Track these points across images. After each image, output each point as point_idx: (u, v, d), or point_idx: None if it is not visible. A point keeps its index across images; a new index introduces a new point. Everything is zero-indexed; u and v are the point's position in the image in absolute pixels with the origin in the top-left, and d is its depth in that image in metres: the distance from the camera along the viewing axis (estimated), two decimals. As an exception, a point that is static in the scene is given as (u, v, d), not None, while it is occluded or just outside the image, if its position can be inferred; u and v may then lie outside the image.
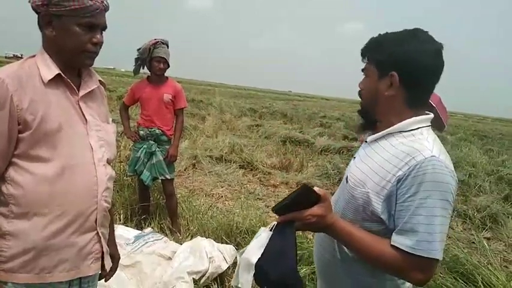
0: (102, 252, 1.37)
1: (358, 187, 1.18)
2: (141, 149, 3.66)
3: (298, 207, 1.10)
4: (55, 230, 1.22)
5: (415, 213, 1.04)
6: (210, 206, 4.43)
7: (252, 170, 6.85)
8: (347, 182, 1.26)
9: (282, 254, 1.10)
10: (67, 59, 1.26)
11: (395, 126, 1.17)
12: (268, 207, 5.09)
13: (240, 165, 6.91)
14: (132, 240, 2.99)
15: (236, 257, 3.01)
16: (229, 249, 2.96)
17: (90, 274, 1.34)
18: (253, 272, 1.10)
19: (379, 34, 1.22)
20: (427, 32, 1.16)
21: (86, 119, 1.31)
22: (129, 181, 4.38)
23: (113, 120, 1.51)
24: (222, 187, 5.69)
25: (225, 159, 7.04)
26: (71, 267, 1.28)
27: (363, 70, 1.26)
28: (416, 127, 1.16)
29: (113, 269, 1.56)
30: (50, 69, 1.23)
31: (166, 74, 3.69)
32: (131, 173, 3.86)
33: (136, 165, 3.70)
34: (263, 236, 1.15)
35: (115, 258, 1.57)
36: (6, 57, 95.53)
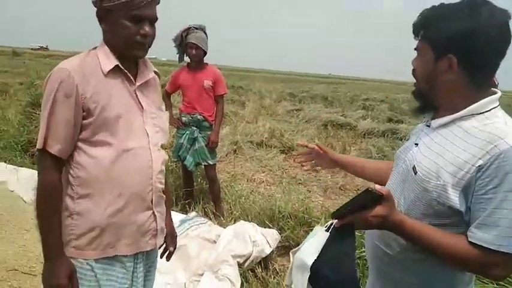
0: (157, 230, 1.45)
1: (432, 180, 1.06)
2: (184, 135, 3.73)
3: (359, 210, 1.05)
4: (115, 209, 1.31)
5: (499, 206, 0.96)
6: (252, 190, 4.46)
7: (293, 154, 6.81)
8: (415, 173, 1.12)
9: (341, 258, 1.05)
10: (121, 51, 1.33)
11: (467, 109, 1.05)
12: (310, 191, 5.05)
13: (280, 150, 6.89)
14: (178, 224, 3.06)
15: (279, 241, 3.02)
16: (272, 234, 2.97)
17: (148, 249, 1.44)
18: (308, 273, 1.06)
19: (433, 6, 1.10)
20: (490, 2, 1.03)
21: (142, 107, 1.39)
22: (173, 167, 4.50)
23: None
24: (263, 172, 5.71)
25: (266, 145, 7.05)
26: (132, 243, 1.37)
27: (415, 48, 1.15)
28: (489, 108, 1.05)
29: (174, 247, 1.66)
30: (109, 61, 1.31)
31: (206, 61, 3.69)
32: (175, 158, 3.95)
33: (180, 151, 3.78)
34: (319, 236, 1.11)
35: (173, 236, 1.67)
36: (32, 49, 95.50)
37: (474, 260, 0.99)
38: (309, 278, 1.07)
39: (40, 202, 1.27)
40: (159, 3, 1.34)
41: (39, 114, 5.89)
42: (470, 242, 1.00)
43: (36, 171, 1.31)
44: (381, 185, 1.47)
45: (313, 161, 1.63)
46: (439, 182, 1.05)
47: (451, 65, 1.06)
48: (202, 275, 2.52)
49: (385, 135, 8.98)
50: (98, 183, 1.29)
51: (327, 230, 1.12)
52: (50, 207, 1.27)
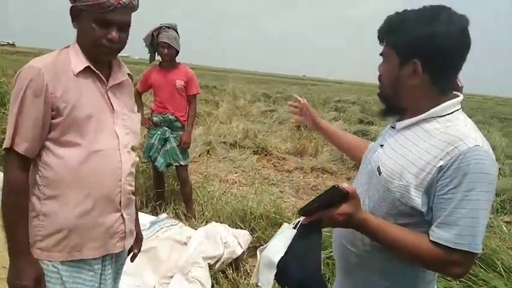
0: (125, 233, 1.44)
1: (395, 180, 1.09)
2: (155, 135, 3.68)
3: (326, 207, 1.06)
4: (83, 211, 1.30)
5: (458, 206, 0.99)
6: (225, 191, 4.45)
7: (266, 155, 6.85)
8: (380, 174, 1.15)
9: (308, 255, 1.06)
10: (89, 52, 1.31)
11: (429, 111, 1.09)
12: (282, 192, 5.09)
13: (254, 151, 6.91)
14: (148, 226, 3.03)
15: (250, 242, 3.03)
16: (243, 235, 2.98)
17: (116, 251, 1.43)
18: (275, 271, 1.07)
19: (397, 13, 1.13)
20: (450, 8, 1.07)
21: (113, 108, 1.37)
22: (144, 167, 4.43)
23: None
24: (236, 173, 5.71)
25: (239, 145, 7.05)
26: (99, 245, 1.36)
27: (381, 54, 1.18)
28: (451, 111, 1.09)
29: (139, 250, 1.65)
30: (80, 61, 1.30)
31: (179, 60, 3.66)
32: (146, 159, 3.90)
33: (151, 152, 3.72)
34: (286, 234, 1.12)
35: (139, 238, 1.65)
36: None
37: (436, 258, 1.03)
38: (275, 274, 1.08)
39: (6, 202, 1.26)
40: (135, 10, 1.32)
41: (3, 113, 5.68)
42: (432, 241, 1.03)
43: (1, 173, 1.28)
44: (352, 159, 1.58)
45: (301, 117, 1.81)
46: (401, 183, 1.08)
47: (416, 70, 1.09)
48: (172, 277, 2.49)
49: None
50: (65, 183, 1.27)
51: (294, 228, 1.13)
52: (16, 207, 1.26)
